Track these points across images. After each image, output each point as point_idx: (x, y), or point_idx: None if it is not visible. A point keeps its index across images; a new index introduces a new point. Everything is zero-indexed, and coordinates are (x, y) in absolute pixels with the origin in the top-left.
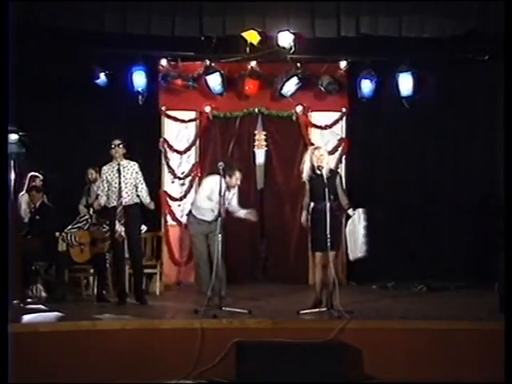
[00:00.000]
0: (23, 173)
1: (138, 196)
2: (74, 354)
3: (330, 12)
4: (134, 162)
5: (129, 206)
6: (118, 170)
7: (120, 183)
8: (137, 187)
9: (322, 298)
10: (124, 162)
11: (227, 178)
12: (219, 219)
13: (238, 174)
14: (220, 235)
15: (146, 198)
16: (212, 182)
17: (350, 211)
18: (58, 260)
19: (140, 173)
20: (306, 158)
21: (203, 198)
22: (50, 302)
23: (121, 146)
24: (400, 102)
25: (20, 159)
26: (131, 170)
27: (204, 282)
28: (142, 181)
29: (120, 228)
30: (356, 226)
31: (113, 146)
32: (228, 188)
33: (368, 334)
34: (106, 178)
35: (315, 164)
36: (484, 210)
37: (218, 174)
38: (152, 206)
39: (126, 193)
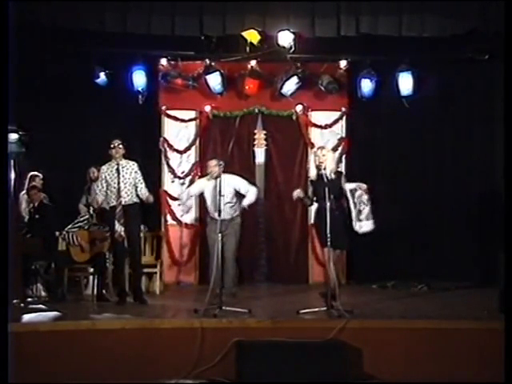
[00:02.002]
0: (23, 172)
1: (137, 196)
2: (73, 353)
3: (330, 11)
4: (133, 162)
5: (128, 205)
6: (117, 170)
7: (119, 183)
8: (136, 187)
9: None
10: (123, 162)
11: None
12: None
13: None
14: (220, 235)
15: (145, 194)
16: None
17: (350, 185)
18: (57, 259)
19: (139, 172)
20: (311, 158)
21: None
22: (50, 301)
23: (120, 146)
24: (400, 101)
25: (20, 159)
26: (130, 170)
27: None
28: (142, 180)
29: (119, 228)
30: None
31: (112, 146)
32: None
33: (368, 333)
34: (105, 177)
35: (317, 163)
36: (484, 209)
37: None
38: (151, 199)
39: (126, 193)
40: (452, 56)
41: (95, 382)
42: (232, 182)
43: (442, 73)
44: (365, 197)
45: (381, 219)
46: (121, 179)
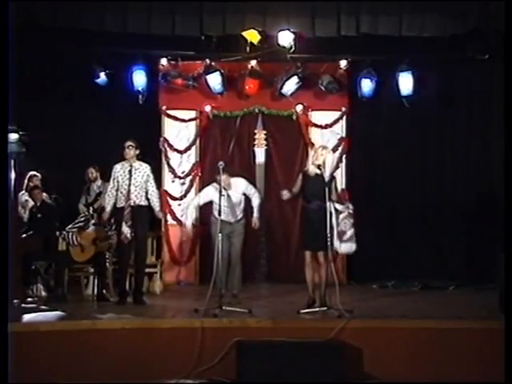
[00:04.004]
0: (23, 172)
1: (147, 199)
2: (74, 353)
3: (331, 11)
4: (146, 165)
5: (137, 207)
6: (130, 172)
7: (130, 185)
8: (147, 190)
9: (315, 298)
10: (136, 164)
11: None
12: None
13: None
14: (220, 234)
15: (156, 205)
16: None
17: (338, 205)
18: (58, 259)
19: (151, 175)
20: (310, 154)
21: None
22: (50, 301)
23: (131, 147)
24: (400, 101)
25: (20, 158)
26: (142, 173)
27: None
28: (153, 183)
29: (126, 230)
30: (341, 220)
31: (125, 148)
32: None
33: (368, 333)
34: (117, 177)
35: (318, 162)
36: (484, 209)
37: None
38: (161, 216)
39: (135, 195)
40: (452, 56)
41: (95, 382)
42: (239, 186)
43: (442, 73)
44: (350, 220)
45: (381, 219)
46: (132, 181)
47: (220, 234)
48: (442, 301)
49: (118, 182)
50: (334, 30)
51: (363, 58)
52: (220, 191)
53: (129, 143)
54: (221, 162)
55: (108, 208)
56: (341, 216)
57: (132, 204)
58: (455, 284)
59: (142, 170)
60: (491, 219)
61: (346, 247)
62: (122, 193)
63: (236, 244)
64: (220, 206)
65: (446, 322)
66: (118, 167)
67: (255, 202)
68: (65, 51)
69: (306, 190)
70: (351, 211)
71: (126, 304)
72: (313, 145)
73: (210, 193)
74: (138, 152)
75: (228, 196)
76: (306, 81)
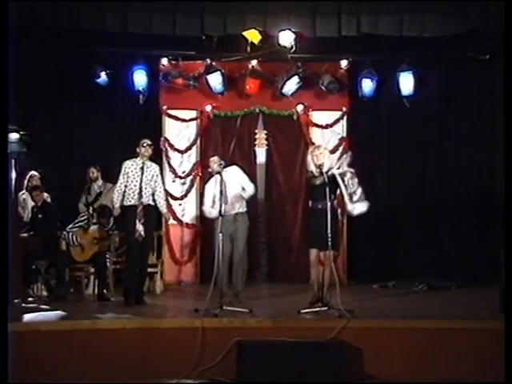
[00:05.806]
0: (24, 172)
1: (153, 199)
2: (74, 353)
3: (331, 11)
4: (156, 165)
5: (147, 205)
6: (142, 169)
7: (141, 182)
8: (154, 190)
9: (320, 297)
10: (148, 163)
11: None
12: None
13: (214, 159)
14: (221, 234)
15: (162, 206)
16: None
17: (337, 170)
18: (58, 259)
19: (160, 176)
20: (308, 157)
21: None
22: (51, 301)
23: (150, 146)
24: (401, 101)
25: (20, 158)
26: (152, 173)
27: (223, 281)
28: (161, 185)
29: (141, 228)
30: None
31: (143, 145)
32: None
33: (368, 333)
34: (128, 173)
35: (316, 163)
36: (484, 209)
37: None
38: (168, 217)
39: (145, 193)
40: (453, 56)
41: (95, 382)
42: (237, 175)
43: (442, 72)
44: (355, 180)
45: (381, 218)
46: (143, 179)
47: (221, 234)
48: (442, 301)
49: (128, 177)
50: (334, 29)
51: (364, 58)
52: (221, 191)
53: (146, 141)
54: (221, 162)
55: (117, 204)
56: (346, 178)
57: (143, 202)
58: (456, 284)
59: (153, 169)
60: (492, 219)
61: (358, 207)
62: (131, 189)
63: (239, 244)
64: (221, 205)
65: (446, 322)
66: (129, 163)
67: (246, 194)
68: (65, 51)
69: (311, 190)
70: (353, 172)
71: (132, 304)
72: (313, 144)
73: (210, 188)
74: (152, 152)
75: (225, 186)
76: (307, 81)
